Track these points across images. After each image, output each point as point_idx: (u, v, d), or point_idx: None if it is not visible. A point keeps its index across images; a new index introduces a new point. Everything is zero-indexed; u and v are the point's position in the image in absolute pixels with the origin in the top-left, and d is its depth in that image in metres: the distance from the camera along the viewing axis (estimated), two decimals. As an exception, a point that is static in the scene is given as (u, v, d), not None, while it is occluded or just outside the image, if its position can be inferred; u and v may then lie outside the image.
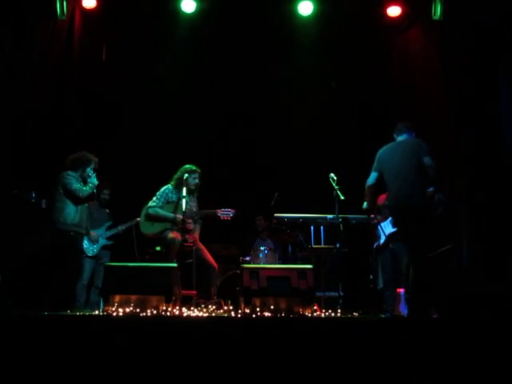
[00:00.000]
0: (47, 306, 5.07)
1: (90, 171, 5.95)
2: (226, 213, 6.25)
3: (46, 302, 5.31)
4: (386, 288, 6.37)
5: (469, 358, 4.22)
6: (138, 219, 6.52)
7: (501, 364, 4.19)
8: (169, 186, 6.39)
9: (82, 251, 6.27)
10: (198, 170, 6.38)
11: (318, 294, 5.80)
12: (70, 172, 5.87)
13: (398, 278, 6.29)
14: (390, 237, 6.15)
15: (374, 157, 7.13)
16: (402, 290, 6.61)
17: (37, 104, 6.82)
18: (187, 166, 6.39)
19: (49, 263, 6.23)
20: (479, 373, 4.16)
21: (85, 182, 5.91)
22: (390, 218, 6.16)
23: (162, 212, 6.23)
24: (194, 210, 6.39)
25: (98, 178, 5.99)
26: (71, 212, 5.79)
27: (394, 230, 6.08)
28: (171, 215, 6.19)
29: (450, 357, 4.21)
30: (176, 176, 6.38)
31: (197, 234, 6.39)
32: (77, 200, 5.80)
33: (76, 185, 5.80)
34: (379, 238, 6.24)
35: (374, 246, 6.34)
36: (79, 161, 5.92)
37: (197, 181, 6.35)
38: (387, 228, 6.18)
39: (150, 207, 6.27)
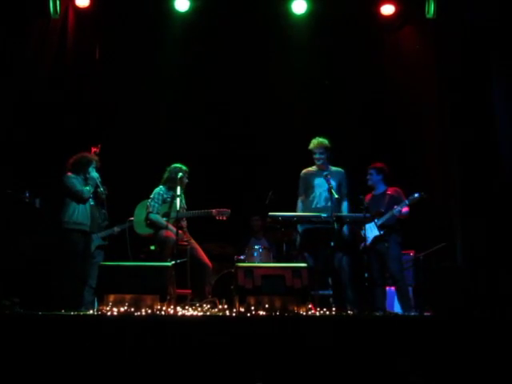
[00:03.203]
0: (53, 306, 5.08)
1: (91, 170, 6.09)
2: (221, 213, 6.28)
3: (54, 302, 5.33)
4: (375, 286, 6.43)
5: (463, 355, 4.24)
6: (132, 219, 6.53)
7: (494, 361, 4.21)
8: (161, 187, 6.41)
9: (89, 251, 6.21)
10: (187, 170, 6.45)
11: (313, 292, 5.80)
12: (71, 175, 6.01)
13: (384, 277, 6.34)
14: (376, 238, 6.21)
15: (368, 155, 7.19)
16: (390, 288, 6.67)
17: (30, 103, 6.80)
18: (177, 165, 6.44)
19: (46, 262, 6.25)
20: (474, 370, 4.19)
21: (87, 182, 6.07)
22: (375, 221, 6.21)
23: (161, 220, 6.27)
24: (185, 207, 6.43)
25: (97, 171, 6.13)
26: (74, 211, 5.94)
27: (379, 233, 6.14)
28: (165, 224, 6.23)
29: (444, 354, 4.23)
30: (167, 176, 6.41)
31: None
32: (80, 200, 5.98)
33: (79, 186, 5.96)
34: (366, 239, 6.27)
35: (361, 246, 6.39)
36: (80, 163, 6.07)
37: (187, 180, 6.42)
38: (373, 230, 6.22)
39: (151, 213, 6.30)
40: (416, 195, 6.09)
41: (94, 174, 6.08)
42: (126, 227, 6.73)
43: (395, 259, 6.18)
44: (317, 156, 6.39)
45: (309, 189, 6.37)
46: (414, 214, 6.37)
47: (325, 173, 6.14)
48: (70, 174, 6.03)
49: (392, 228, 6.24)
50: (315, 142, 6.38)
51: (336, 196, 5.96)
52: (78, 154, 6.09)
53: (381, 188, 6.50)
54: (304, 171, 6.50)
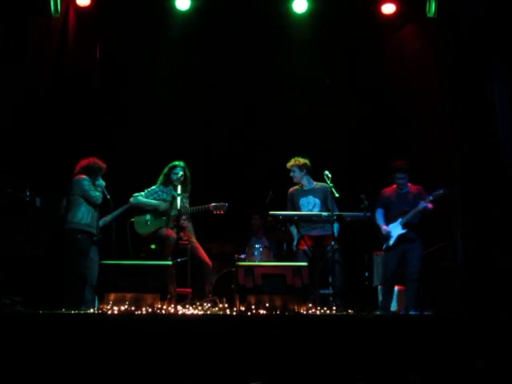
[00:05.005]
0: (53, 305, 5.09)
1: (99, 178, 6.25)
2: (218, 207, 6.29)
3: (54, 301, 5.36)
4: (384, 285, 6.43)
5: (463, 355, 4.25)
6: (132, 219, 6.52)
7: (494, 360, 4.22)
8: (160, 186, 6.43)
9: (87, 253, 6.19)
10: (180, 164, 6.44)
11: (314, 291, 5.80)
12: (85, 177, 6.13)
13: (396, 277, 6.33)
14: (400, 237, 6.18)
15: (368, 155, 7.17)
16: (399, 288, 6.65)
17: (30, 102, 6.79)
18: (174, 163, 6.49)
19: (46, 261, 6.27)
20: (473, 370, 4.19)
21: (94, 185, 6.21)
22: (399, 220, 6.18)
23: (144, 200, 6.31)
24: (187, 206, 6.42)
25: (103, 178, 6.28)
26: (84, 213, 6.07)
27: (404, 231, 6.13)
28: (154, 201, 6.24)
29: (444, 354, 4.24)
30: (164, 174, 6.48)
31: (189, 232, 6.40)
32: (94, 205, 6.12)
33: (95, 192, 6.12)
34: (389, 238, 6.23)
35: (384, 247, 6.36)
36: (92, 169, 6.19)
37: (179, 174, 6.37)
38: (396, 229, 6.20)
39: (132, 197, 6.36)
40: (440, 191, 6.07)
41: (101, 181, 6.23)
42: (119, 213, 6.62)
43: (418, 258, 6.17)
44: (290, 174, 6.58)
45: (295, 208, 6.53)
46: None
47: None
48: (84, 176, 6.14)
49: (417, 227, 6.22)
50: (288, 163, 6.59)
51: (337, 195, 5.98)
52: (90, 159, 6.21)
53: (407, 186, 6.45)
54: (290, 190, 6.69)
